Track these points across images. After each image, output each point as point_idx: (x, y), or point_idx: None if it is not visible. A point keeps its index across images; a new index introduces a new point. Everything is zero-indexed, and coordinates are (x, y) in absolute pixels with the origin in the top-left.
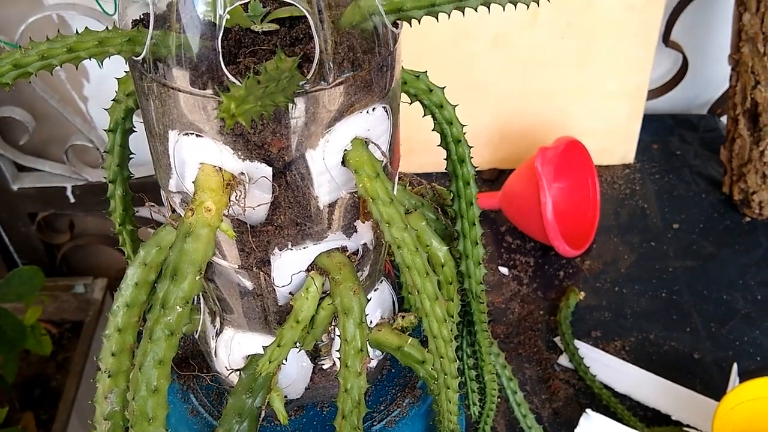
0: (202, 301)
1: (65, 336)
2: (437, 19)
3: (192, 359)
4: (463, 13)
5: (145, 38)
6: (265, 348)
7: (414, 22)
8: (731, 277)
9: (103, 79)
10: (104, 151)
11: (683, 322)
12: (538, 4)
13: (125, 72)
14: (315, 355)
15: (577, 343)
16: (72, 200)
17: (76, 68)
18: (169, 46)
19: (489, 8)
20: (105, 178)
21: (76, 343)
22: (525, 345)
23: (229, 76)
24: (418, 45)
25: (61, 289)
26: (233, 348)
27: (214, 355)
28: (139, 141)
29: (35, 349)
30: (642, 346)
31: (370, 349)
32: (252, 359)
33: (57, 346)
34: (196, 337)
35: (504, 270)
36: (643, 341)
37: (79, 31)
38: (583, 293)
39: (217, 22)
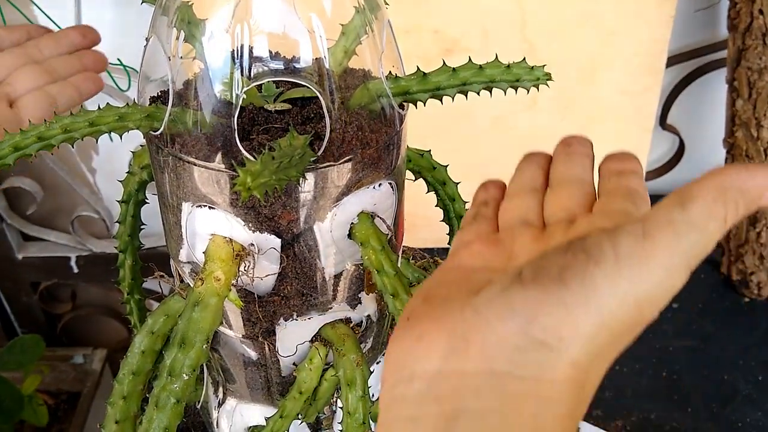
0: (205, 371)
1: (61, 407)
2: (441, 101)
3: (194, 430)
4: (466, 96)
5: (163, 114)
6: (267, 419)
7: (419, 104)
8: (732, 357)
9: (112, 152)
10: (116, 222)
11: (684, 403)
12: (537, 89)
13: (140, 146)
14: (317, 427)
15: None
16: (75, 270)
17: (97, 141)
18: (186, 122)
19: (491, 92)
20: (116, 248)
21: (72, 415)
22: None
23: (244, 151)
24: (423, 125)
25: (60, 359)
26: (235, 419)
27: (215, 426)
28: (148, 212)
29: (32, 420)
30: (643, 426)
31: (371, 422)
32: (254, 431)
33: (53, 418)
34: (198, 407)
35: None
36: (644, 421)
37: (90, 107)
38: None
39: (234, 101)
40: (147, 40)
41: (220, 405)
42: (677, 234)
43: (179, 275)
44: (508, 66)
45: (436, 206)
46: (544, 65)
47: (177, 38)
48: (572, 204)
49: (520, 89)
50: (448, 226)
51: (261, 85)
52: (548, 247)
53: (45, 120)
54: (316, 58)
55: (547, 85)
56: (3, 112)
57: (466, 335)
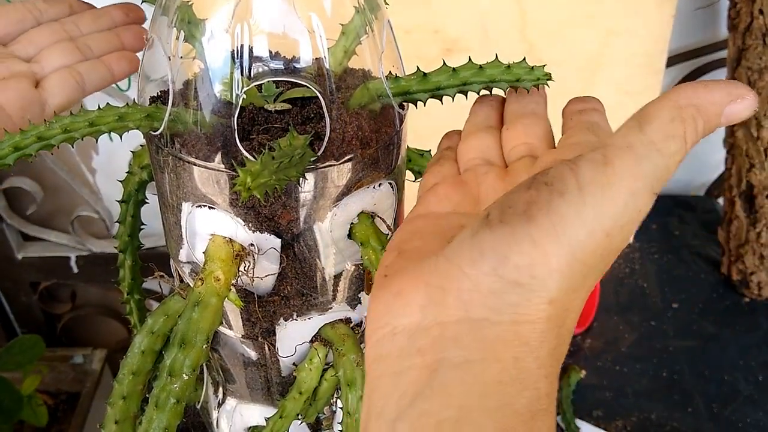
0: (205, 371)
1: (61, 408)
2: (441, 101)
3: (194, 430)
4: (466, 96)
5: (163, 114)
6: (267, 419)
7: (419, 104)
8: (732, 357)
9: (112, 152)
10: (116, 222)
11: (685, 403)
12: (537, 88)
13: (140, 146)
14: (317, 427)
15: (579, 422)
16: (75, 270)
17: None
18: (186, 122)
19: (491, 91)
20: (115, 248)
21: (71, 416)
22: None
23: (244, 151)
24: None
25: (60, 359)
26: (235, 419)
27: (215, 426)
28: (147, 212)
29: (31, 420)
30: (644, 426)
31: None
32: (254, 431)
33: (52, 418)
34: (198, 407)
35: None
36: (644, 421)
37: (90, 107)
38: (584, 372)
39: (234, 101)
40: (147, 40)
41: (220, 405)
42: (637, 157)
43: (179, 275)
44: (508, 66)
45: None
46: (544, 65)
47: (177, 38)
48: (530, 138)
49: (520, 89)
50: None
51: (261, 85)
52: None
53: (45, 120)
54: (316, 58)
55: (547, 85)
56: (27, 93)
57: (442, 285)
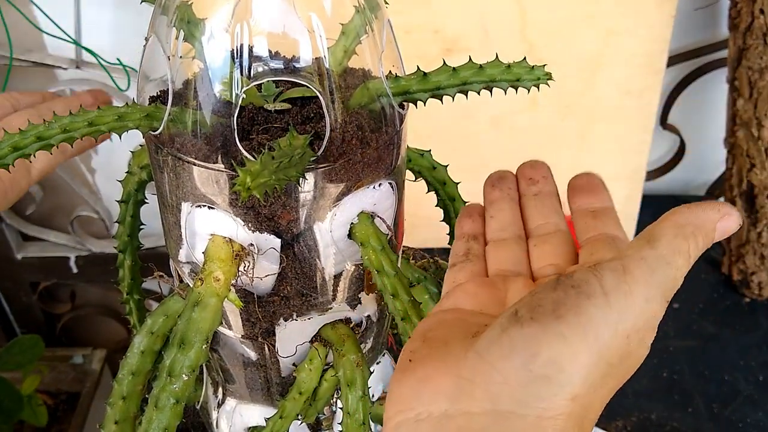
0: (205, 371)
1: (61, 408)
2: (441, 101)
3: (193, 430)
4: (467, 96)
5: (162, 114)
6: (267, 420)
7: (419, 103)
8: (732, 357)
9: (111, 152)
10: (116, 222)
11: (685, 403)
12: (538, 88)
13: (140, 146)
14: (317, 428)
15: None
16: (75, 270)
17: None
18: (185, 122)
19: (491, 91)
20: (115, 248)
21: (71, 416)
22: None
23: (244, 151)
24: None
25: (59, 359)
26: (235, 419)
27: (215, 426)
28: (147, 212)
29: (31, 420)
30: (644, 426)
31: (372, 423)
32: (253, 431)
33: (52, 418)
34: (198, 407)
35: None
36: (644, 421)
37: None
38: None
39: (234, 101)
40: (146, 39)
41: (219, 405)
42: (651, 269)
43: (179, 275)
44: (509, 66)
45: (436, 206)
46: (544, 65)
47: (176, 38)
48: (558, 259)
49: (520, 89)
50: (448, 226)
51: (260, 84)
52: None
53: (44, 120)
54: (316, 58)
55: (548, 84)
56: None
57: (472, 378)
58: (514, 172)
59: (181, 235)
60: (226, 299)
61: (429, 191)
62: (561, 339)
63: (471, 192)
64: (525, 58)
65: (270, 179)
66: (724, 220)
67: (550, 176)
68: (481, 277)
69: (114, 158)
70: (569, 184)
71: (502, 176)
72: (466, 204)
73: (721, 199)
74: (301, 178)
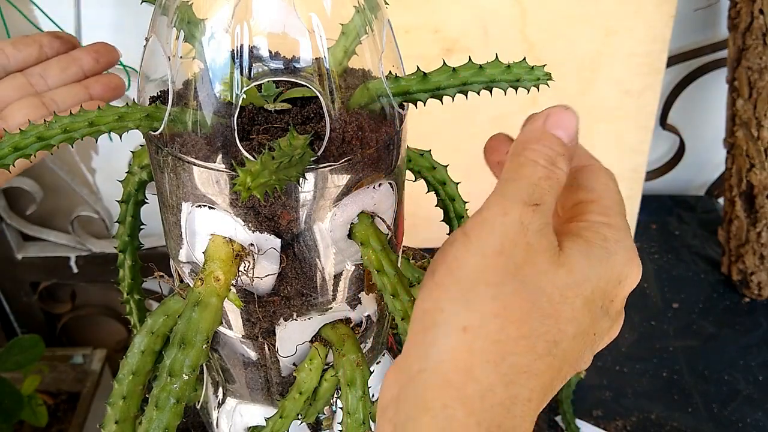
0: (205, 371)
1: (61, 408)
2: (441, 101)
3: (194, 430)
4: (467, 96)
5: (162, 114)
6: (267, 419)
7: (420, 103)
8: (732, 357)
9: (111, 152)
10: (116, 222)
11: (685, 403)
12: (538, 88)
13: (140, 146)
14: (316, 428)
15: (579, 422)
16: (75, 270)
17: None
18: (186, 122)
19: (491, 92)
20: (115, 248)
21: (71, 416)
22: None
23: (244, 151)
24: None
25: (60, 359)
26: (235, 419)
27: (215, 426)
28: (147, 212)
29: (31, 420)
30: (643, 426)
31: (371, 423)
32: (254, 431)
33: (52, 418)
34: (198, 407)
35: None
36: (644, 421)
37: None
38: (584, 372)
39: (234, 101)
40: (147, 39)
41: (219, 405)
42: (500, 192)
43: (179, 275)
44: (509, 66)
45: (436, 206)
46: (544, 65)
47: (177, 38)
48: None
49: (520, 89)
50: (448, 227)
51: (261, 84)
52: None
53: (44, 120)
54: (316, 58)
55: (548, 84)
56: None
57: (405, 353)
58: None
59: (181, 235)
60: (226, 299)
61: (429, 191)
62: (434, 286)
63: (471, 192)
64: (525, 59)
65: (270, 179)
66: (552, 116)
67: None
68: None
69: (114, 158)
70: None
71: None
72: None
73: (721, 199)
74: (301, 178)
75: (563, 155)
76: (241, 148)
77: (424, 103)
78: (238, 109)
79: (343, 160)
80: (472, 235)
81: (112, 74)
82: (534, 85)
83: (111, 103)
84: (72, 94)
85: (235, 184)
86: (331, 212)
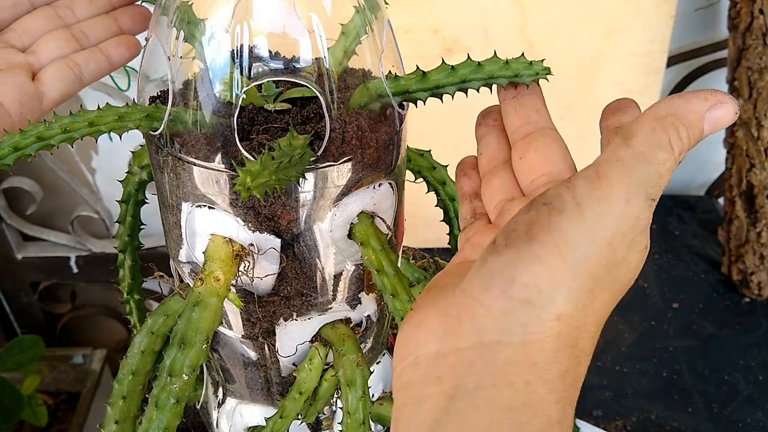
0: (205, 371)
1: (61, 408)
2: (441, 100)
3: (194, 430)
4: (466, 94)
5: (162, 114)
6: (267, 419)
7: (419, 103)
8: (732, 357)
9: (111, 152)
10: (116, 222)
11: (685, 403)
12: (538, 84)
13: (140, 146)
14: (316, 427)
15: (579, 422)
16: (75, 270)
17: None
18: (186, 122)
19: (491, 88)
20: (115, 248)
21: (71, 416)
22: None
23: (244, 151)
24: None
25: (60, 359)
26: (235, 419)
27: (215, 426)
28: (147, 212)
29: (31, 420)
30: (644, 426)
31: (371, 423)
32: (254, 431)
33: (52, 418)
34: (198, 407)
35: None
36: (644, 421)
37: (90, 106)
38: None
39: (234, 101)
40: (147, 39)
41: (219, 405)
42: (627, 167)
43: (179, 275)
44: (507, 62)
45: (436, 206)
46: (542, 59)
47: (177, 38)
48: (548, 165)
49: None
50: (448, 226)
51: (261, 84)
52: None
53: (44, 120)
54: (316, 58)
55: (547, 79)
56: (24, 87)
57: (458, 314)
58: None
59: (181, 235)
60: (226, 299)
61: (429, 191)
62: (536, 259)
63: None
64: (523, 54)
65: (270, 179)
66: (714, 110)
67: (536, 85)
68: (485, 225)
69: (114, 158)
70: (603, 111)
71: (487, 111)
72: (460, 161)
73: (720, 199)
74: (301, 178)
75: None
76: (241, 148)
77: (424, 102)
78: (238, 109)
79: (343, 160)
80: (588, 213)
81: (139, 5)
82: (533, 80)
83: (111, 104)
84: (102, 26)
85: (235, 184)
86: (331, 212)
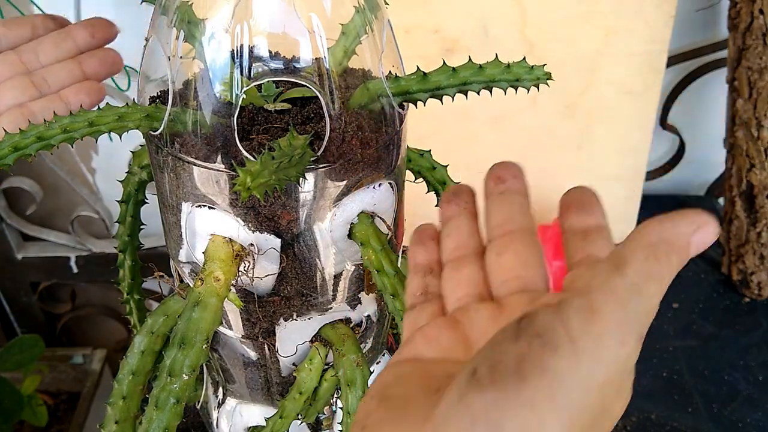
0: (205, 371)
1: (61, 408)
2: (441, 101)
3: (194, 430)
4: (466, 96)
5: (162, 114)
6: (267, 419)
7: (419, 103)
8: (732, 357)
9: (111, 152)
10: (116, 222)
11: (685, 403)
12: (537, 88)
13: (140, 146)
14: (316, 427)
15: None
16: (75, 270)
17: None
18: (186, 122)
19: (491, 91)
20: (115, 248)
21: (72, 416)
22: None
23: (244, 151)
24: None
25: (60, 359)
26: (235, 419)
27: (215, 426)
28: (147, 212)
29: (31, 420)
30: (644, 426)
31: None
32: (254, 431)
33: (52, 418)
34: (198, 407)
35: None
36: (644, 421)
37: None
38: None
39: (234, 101)
40: (147, 39)
41: (219, 405)
42: (622, 302)
43: (179, 275)
44: (508, 65)
45: (435, 206)
46: (544, 64)
47: (177, 38)
48: (524, 269)
49: (520, 89)
50: None
51: (261, 85)
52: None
53: (45, 120)
54: (316, 58)
55: (547, 84)
56: None
57: None
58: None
59: (181, 235)
60: (226, 299)
61: (429, 191)
62: (527, 406)
63: None
64: (524, 58)
65: (270, 179)
66: (699, 233)
67: (521, 176)
68: (443, 316)
69: (114, 158)
70: (561, 201)
71: (458, 190)
72: (417, 227)
73: (721, 199)
74: (301, 178)
75: None
76: (241, 148)
77: (424, 103)
78: (238, 109)
79: (343, 160)
80: (583, 354)
81: (108, 49)
82: (534, 85)
83: (111, 104)
84: (65, 72)
85: (236, 184)
86: (331, 212)
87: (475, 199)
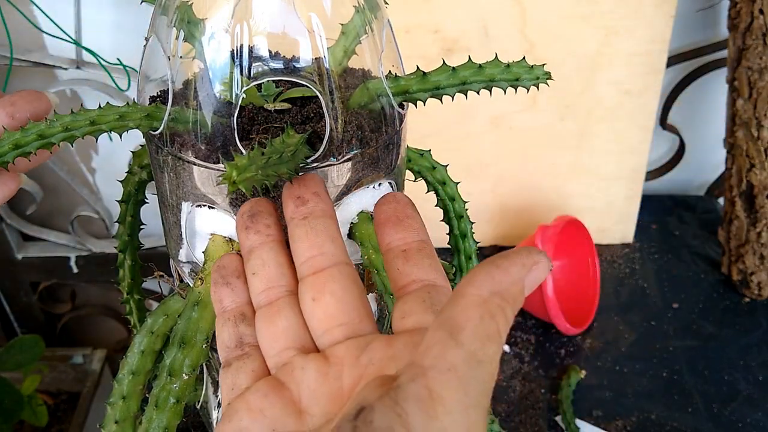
0: (205, 371)
1: (61, 407)
2: (441, 101)
3: (194, 430)
4: (466, 95)
5: (162, 114)
6: None
7: (419, 103)
8: (732, 357)
9: (111, 152)
10: (116, 221)
11: (685, 403)
12: (537, 88)
13: (140, 145)
14: None
15: (579, 422)
16: (75, 270)
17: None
18: (186, 122)
19: (491, 91)
20: (115, 248)
21: (72, 416)
22: (526, 424)
23: (244, 151)
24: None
25: (60, 359)
26: None
27: (215, 426)
28: (147, 212)
29: (31, 420)
30: (644, 426)
31: None
32: None
33: (52, 418)
34: (198, 407)
35: (506, 347)
36: (644, 421)
37: (91, 106)
38: (584, 372)
39: (234, 101)
40: (147, 39)
41: (220, 405)
42: (463, 380)
43: (179, 275)
44: (508, 65)
45: (436, 206)
46: (543, 64)
47: (177, 38)
48: (346, 314)
49: (519, 88)
50: (447, 226)
51: (260, 84)
52: (337, 408)
53: (45, 118)
54: (316, 58)
55: (547, 84)
56: None
57: None
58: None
59: (181, 235)
60: None
61: (429, 191)
62: None
63: (471, 192)
64: (524, 58)
65: (257, 174)
66: (532, 274)
67: (323, 193)
68: (265, 378)
69: (114, 158)
70: (375, 214)
71: (255, 211)
72: (217, 260)
73: (720, 199)
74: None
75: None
76: (241, 147)
77: (424, 103)
78: (237, 109)
79: (342, 160)
80: (439, 408)
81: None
82: (533, 85)
83: (111, 103)
84: None
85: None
86: None
87: (278, 218)
